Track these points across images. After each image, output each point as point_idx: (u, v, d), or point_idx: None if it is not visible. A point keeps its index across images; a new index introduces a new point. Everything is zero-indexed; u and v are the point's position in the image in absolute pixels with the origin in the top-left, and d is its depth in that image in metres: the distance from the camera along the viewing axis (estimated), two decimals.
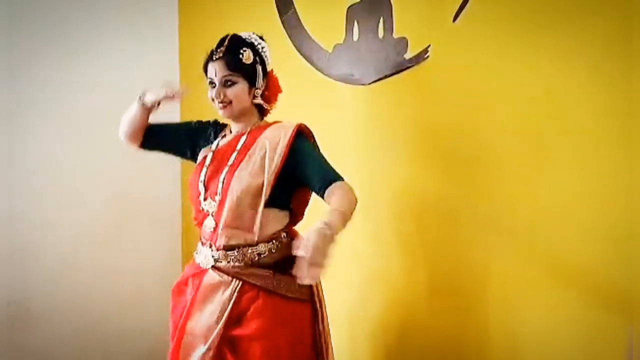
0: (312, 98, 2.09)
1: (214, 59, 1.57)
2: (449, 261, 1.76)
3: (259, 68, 1.59)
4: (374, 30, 1.89)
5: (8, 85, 2.17)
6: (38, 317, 2.24)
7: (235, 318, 1.49)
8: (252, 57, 1.57)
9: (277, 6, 2.17)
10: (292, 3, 2.12)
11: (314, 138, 1.65)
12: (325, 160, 1.55)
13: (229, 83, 1.56)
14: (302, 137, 1.58)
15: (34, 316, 2.23)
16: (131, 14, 2.49)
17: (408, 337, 1.87)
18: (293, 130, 1.54)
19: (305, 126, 1.61)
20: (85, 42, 2.38)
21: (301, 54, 2.10)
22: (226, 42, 1.57)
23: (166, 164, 2.58)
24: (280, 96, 1.70)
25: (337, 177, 1.49)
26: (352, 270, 2.00)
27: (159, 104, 1.68)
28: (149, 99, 1.67)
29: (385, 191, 1.92)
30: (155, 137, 1.76)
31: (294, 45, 2.12)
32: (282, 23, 2.15)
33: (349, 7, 1.95)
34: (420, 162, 1.83)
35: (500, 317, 1.65)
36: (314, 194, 1.58)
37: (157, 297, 2.57)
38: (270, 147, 1.53)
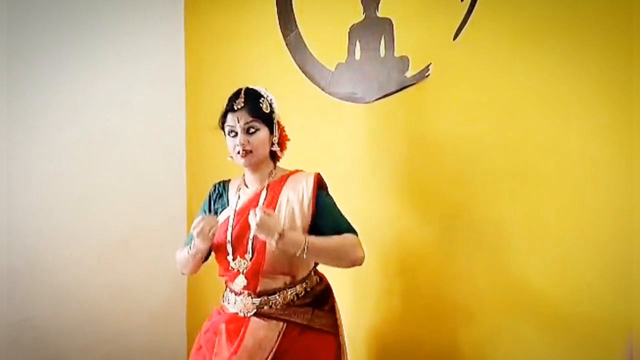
0: (315, 116, 2.10)
1: (235, 109, 1.61)
2: (446, 280, 1.76)
3: (275, 116, 1.67)
4: (376, 49, 1.91)
5: (7, 99, 2.13)
6: (44, 335, 2.23)
7: (278, 357, 1.54)
8: (269, 106, 1.65)
9: (280, 27, 2.20)
10: (296, 23, 2.16)
11: (327, 187, 1.70)
12: (341, 213, 1.64)
13: (251, 130, 1.61)
14: (321, 190, 1.64)
15: (41, 334, 2.22)
16: (135, 30, 2.51)
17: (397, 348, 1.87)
18: (314, 185, 1.62)
19: (321, 176, 1.67)
20: (89, 48, 2.36)
21: (304, 73, 2.13)
22: (242, 94, 1.63)
23: (172, 180, 2.61)
24: (285, 120, 1.73)
25: (349, 229, 1.59)
26: (350, 289, 2.00)
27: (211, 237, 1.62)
28: (200, 246, 1.62)
29: (387, 208, 1.92)
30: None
31: (297, 65, 2.14)
32: (286, 44, 2.18)
33: (351, 26, 1.98)
34: (422, 180, 1.83)
35: (492, 334, 1.64)
36: None
37: (163, 316, 2.58)
38: (297, 202, 1.61)
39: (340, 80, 2.03)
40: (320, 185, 1.65)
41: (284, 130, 1.72)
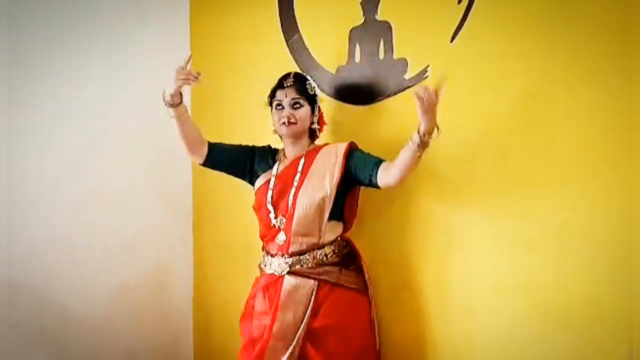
0: None
1: (285, 86, 1.85)
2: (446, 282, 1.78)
3: (318, 99, 1.90)
4: (375, 52, 1.95)
5: (8, 99, 2.14)
6: (49, 337, 2.26)
7: (313, 312, 1.74)
8: (315, 89, 1.89)
9: (282, 31, 2.24)
10: (297, 27, 2.20)
11: (359, 149, 1.84)
12: (371, 155, 1.78)
13: (297, 105, 1.84)
14: (352, 150, 1.81)
15: (45, 336, 2.25)
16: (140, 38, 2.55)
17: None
18: (346, 148, 1.80)
19: (354, 143, 1.84)
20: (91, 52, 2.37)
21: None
22: (292, 76, 1.88)
23: (177, 181, 2.64)
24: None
25: (380, 160, 1.72)
26: None
27: (180, 95, 1.81)
28: (169, 93, 1.79)
29: (386, 210, 1.95)
30: (217, 157, 1.96)
31: (300, 68, 2.18)
32: (288, 47, 2.22)
33: (351, 29, 2.02)
34: (420, 180, 1.85)
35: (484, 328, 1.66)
36: (361, 206, 1.88)
37: (169, 317, 2.61)
38: (329, 166, 1.80)
39: (341, 83, 2.06)
40: (352, 148, 1.81)
41: (323, 116, 1.93)
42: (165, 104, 1.82)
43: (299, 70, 2.16)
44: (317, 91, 1.90)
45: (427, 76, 1.81)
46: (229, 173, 2.02)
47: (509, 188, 1.65)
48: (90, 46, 2.38)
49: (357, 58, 2.01)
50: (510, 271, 1.66)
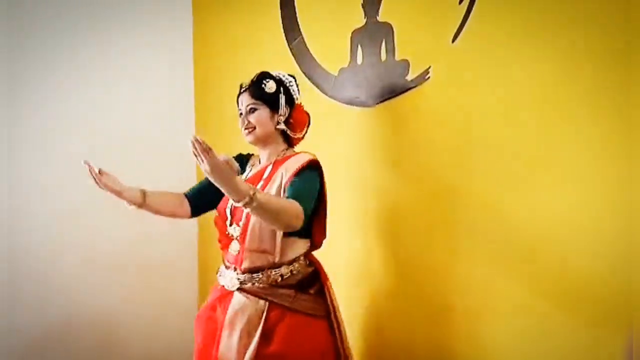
0: (319, 121, 2.12)
1: (241, 91, 1.76)
2: (445, 282, 1.78)
3: (282, 97, 1.72)
4: (377, 53, 1.95)
5: (8, 100, 2.15)
6: (57, 339, 2.27)
7: (264, 336, 1.57)
8: (274, 87, 1.71)
9: (285, 33, 2.25)
10: (299, 30, 2.20)
11: (321, 174, 1.71)
12: (307, 191, 1.62)
13: (252, 110, 1.72)
14: (311, 168, 1.67)
15: (53, 338, 2.26)
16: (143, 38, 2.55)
17: (384, 342, 1.92)
18: (299, 167, 1.65)
19: (314, 161, 1.70)
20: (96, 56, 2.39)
21: (308, 79, 2.17)
22: (253, 78, 1.75)
23: (182, 183, 2.62)
24: (309, 124, 1.81)
25: (300, 202, 1.54)
26: (351, 292, 2.03)
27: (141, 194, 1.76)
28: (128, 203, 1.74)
29: (391, 211, 1.95)
30: (200, 208, 1.88)
31: (302, 71, 2.18)
32: (290, 49, 2.23)
33: (353, 31, 2.02)
34: (425, 181, 1.85)
35: (487, 328, 1.66)
36: (330, 224, 1.75)
37: (177, 319, 2.62)
38: (280, 179, 1.66)
39: (343, 85, 2.06)
40: (308, 167, 1.66)
41: (301, 112, 1.78)
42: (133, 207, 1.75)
43: (301, 72, 2.17)
44: (290, 87, 1.76)
45: (429, 77, 1.81)
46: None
47: (511, 186, 1.64)
48: (93, 50, 2.40)
49: (359, 60, 2.01)
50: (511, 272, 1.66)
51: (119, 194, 1.72)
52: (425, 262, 1.85)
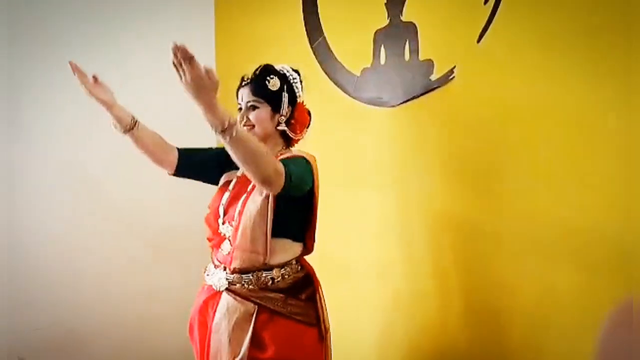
0: (342, 121, 2.14)
1: (243, 85, 1.64)
2: (484, 282, 1.77)
3: (285, 96, 1.60)
4: (401, 53, 1.94)
5: (9, 101, 2.14)
6: (74, 339, 2.28)
7: (254, 341, 1.52)
8: (278, 84, 1.59)
9: (307, 34, 2.25)
10: (322, 30, 2.20)
11: (314, 171, 1.59)
12: (294, 165, 1.48)
13: (252, 107, 1.60)
14: (304, 160, 1.57)
15: (78, 338, 2.29)
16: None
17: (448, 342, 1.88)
18: (299, 155, 1.58)
19: (313, 158, 1.61)
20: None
21: (331, 79, 2.17)
22: (257, 71, 1.63)
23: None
24: (310, 124, 1.70)
25: (285, 166, 1.42)
26: (381, 294, 2.02)
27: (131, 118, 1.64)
28: (114, 122, 1.61)
29: (416, 211, 1.94)
30: (187, 167, 1.74)
31: (324, 71, 2.18)
32: (313, 51, 2.23)
33: (376, 31, 2.01)
34: (449, 181, 1.84)
35: (535, 336, 1.64)
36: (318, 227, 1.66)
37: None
38: None
39: (366, 85, 2.06)
40: (301, 157, 1.57)
41: (303, 112, 1.67)
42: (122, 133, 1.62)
43: (323, 72, 2.17)
44: (295, 85, 1.63)
45: (453, 77, 1.79)
46: (201, 180, 1.79)
47: (540, 190, 1.62)
48: (106, 49, 2.39)
49: (382, 60, 2.00)
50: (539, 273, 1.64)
51: (109, 107, 1.58)
52: (460, 265, 1.84)
